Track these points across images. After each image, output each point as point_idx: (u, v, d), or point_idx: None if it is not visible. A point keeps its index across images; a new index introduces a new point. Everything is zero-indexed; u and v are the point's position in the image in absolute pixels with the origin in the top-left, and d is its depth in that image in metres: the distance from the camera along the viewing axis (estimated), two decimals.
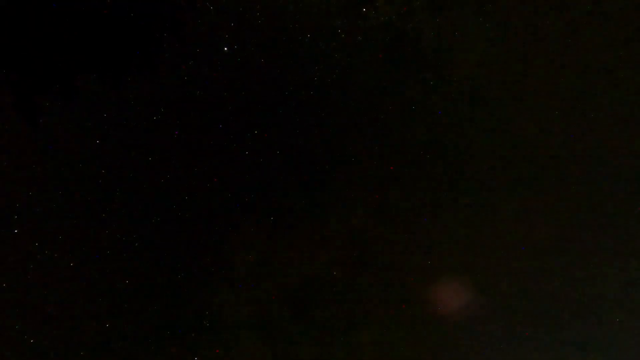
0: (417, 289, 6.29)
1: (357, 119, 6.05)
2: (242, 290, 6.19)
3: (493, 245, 6.25)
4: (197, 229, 6.14)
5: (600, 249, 6.15)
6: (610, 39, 5.62)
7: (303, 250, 6.25)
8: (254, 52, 5.67)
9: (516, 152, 6.05)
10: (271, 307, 6.22)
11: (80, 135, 5.77)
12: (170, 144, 6.01)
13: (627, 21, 5.54)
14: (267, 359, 6.19)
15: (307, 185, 6.18)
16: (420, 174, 6.18)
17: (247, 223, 6.20)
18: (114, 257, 5.99)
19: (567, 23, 5.61)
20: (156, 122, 5.93)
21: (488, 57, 5.83)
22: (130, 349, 5.98)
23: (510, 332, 6.30)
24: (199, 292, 6.14)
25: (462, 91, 5.94)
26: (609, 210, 6.06)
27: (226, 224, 6.18)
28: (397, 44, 5.67)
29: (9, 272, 5.71)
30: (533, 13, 5.60)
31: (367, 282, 6.29)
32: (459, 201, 6.19)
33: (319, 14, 5.67)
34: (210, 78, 5.77)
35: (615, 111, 5.81)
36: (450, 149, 6.09)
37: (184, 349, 6.07)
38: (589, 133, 5.89)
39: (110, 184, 5.95)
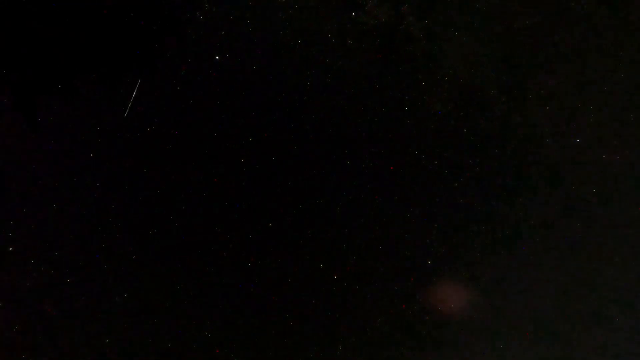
0: (417, 289, 6.29)
1: (350, 122, 6.08)
2: (242, 291, 6.19)
3: (493, 245, 6.25)
4: (196, 229, 6.14)
5: (601, 249, 6.15)
6: (601, 37, 5.64)
7: (302, 251, 6.25)
8: (245, 59, 5.72)
9: (511, 149, 6.07)
10: (271, 307, 6.22)
11: (80, 135, 5.77)
12: (171, 143, 6.01)
13: (617, 17, 5.56)
14: (265, 357, 6.19)
15: (306, 187, 6.19)
16: (417, 173, 6.19)
17: (247, 223, 6.20)
18: (114, 257, 5.99)
19: (557, 20, 5.63)
20: (156, 122, 5.93)
21: (479, 56, 5.87)
22: (130, 349, 5.98)
23: (510, 332, 6.30)
24: (198, 292, 6.13)
25: (455, 91, 5.98)
26: (609, 208, 6.06)
27: (226, 224, 6.18)
28: (388, 47, 5.73)
29: (9, 272, 5.71)
30: (521, 11, 5.63)
31: (367, 282, 6.29)
32: (458, 201, 6.20)
33: (309, 20, 5.74)
34: (208, 80, 5.79)
35: (609, 109, 5.83)
36: (446, 148, 6.11)
37: (184, 349, 6.07)
38: (583, 131, 5.91)
39: (110, 183, 5.95)
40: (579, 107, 5.83)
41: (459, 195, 6.19)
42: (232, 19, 5.58)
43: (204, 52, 5.67)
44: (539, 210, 6.13)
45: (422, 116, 6.02)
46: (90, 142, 5.85)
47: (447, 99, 5.93)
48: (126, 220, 6.02)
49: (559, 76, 5.79)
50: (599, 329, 6.21)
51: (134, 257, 6.04)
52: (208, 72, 5.71)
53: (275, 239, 6.24)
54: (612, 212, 6.04)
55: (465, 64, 5.87)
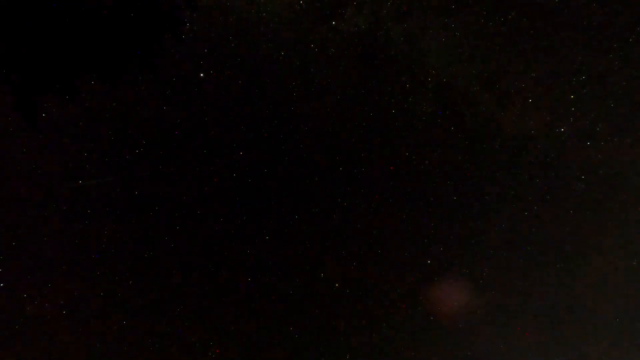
0: (417, 289, 6.28)
1: (340, 128, 6.16)
2: (242, 290, 6.19)
3: (491, 241, 6.26)
4: (196, 228, 6.14)
5: (600, 249, 6.15)
6: (577, 27, 5.70)
7: (302, 251, 6.25)
8: (231, 75, 5.83)
9: (499, 143, 6.12)
10: (271, 307, 6.22)
11: (80, 135, 5.77)
12: (170, 143, 6.01)
13: (592, 8, 5.63)
14: (267, 358, 6.19)
15: (303, 194, 6.20)
16: (409, 174, 6.22)
17: (247, 223, 6.20)
18: (114, 256, 5.99)
19: (531, 14, 5.71)
20: (156, 121, 5.93)
21: (459, 55, 5.95)
22: (130, 349, 5.98)
23: (510, 332, 6.30)
24: (198, 292, 6.14)
25: (439, 90, 6.05)
26: (608, 208, 6.06)
27: (225, 224, 6.18)
28: (369, 52, 5.85)
29: (9, 271, 5.71)
30: (494, 10, 5.70)
31: (367, 282, 6.29)
32: (452, 198, 6.21)
33: (291, 32, 5.86)
34: (195, 96, 5.88)
35: (590, 97, 5.88)
36: (435, 147, 6.16)
37: (184, 349, 6.07)
38: (567, 120, 5.96)
39: (110, 183, 5.95)
40: (560, 97, 5.91)
41: (452, 192, 6.22)
42: (215, 36, 5.72)
43: (188, 69, 5.78)
44: (532, 202, 6.16)
45: (410, 117, 6.11)
46: (90, 141, 5.85)
47: (432, 98, 6.05)
48: (126, 220, 6.02)
49: (538, 68, 5.87)
50: (599, 328, 6.21)
51: (133, 257, 6.04)
52: (194, 89, 5.81)
53: (275, 242, 6.24)
54: (612, 211, 6.04)
55: (446, 64, 5.99)
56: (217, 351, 6.09)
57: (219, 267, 6.17)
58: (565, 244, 6.14)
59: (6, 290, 5.68)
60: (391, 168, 6.19)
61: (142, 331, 6.00)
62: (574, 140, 5.94)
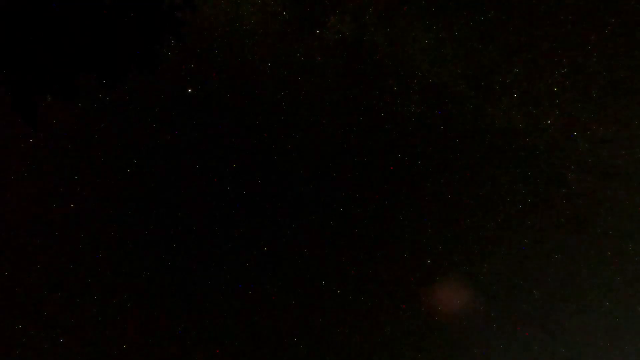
0: (417, 289, 6.29)
1: (332, 134, 6.17)
2: (242, 290, 6.19)
3: (488, 239, 6.27)
4: (195, 228, 6.15)
5: (600, 249, 6.15)
6: (554, 21, 5.73)
7: (302, 254, 6.26)
8: (219, 89, 5.86)
9: (488, 139, 6.14)
10: (272, 308, 6.23)
11: (80, 135, 5.77)
12: (170, 143, 6.01)
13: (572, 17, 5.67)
14: (267, 359, 6.19)
15: (300, 195, 6.21)
16: (404, 175, 6.23)
17: (245, 227, 6.21)
18: (114, 256, 6.00)
19: (510, 11, 5.74)
20: (156, 121, 5.94)
21: (443, 55, 5.98)
22: (130, 349, 5.99)
23: (510, 332, 6.30)
24: (198, 292, 6.14)
25: (426, 91, 6.09)
26: (608, 209, 6.06)
27: (225, 224, 6.19)
28: (355, 58, 5.90)
29: (9, 272, 5.72)
30: (475, 9, 5.74)
31: (368, 282, 6.29)
32: (447, 197, 6.22)
33: (276, 43, 5.88)
34: (183, 113, 5.89)
35: (573, 89, 5.91)
36: (426, 147, 6.18)
37: (184, 349, 6.07)
38: (552, 112, 5.99)
39: (110, 183, 5.95)
40: (544, 90, 5.94)
41: (447, 191, 6.24)
42: (200, 52, 5.74)
43: (176, 85, 5.79)
44: (526, 195, 6.17)
45: (400, 118, 6.15)
46: (90, 141, 5.85)
47: (419, 99, 6.09)
48: (126, 220, 6.03)
49: (521, 64, 5.91)
50: (598, 329, 6.21)
51: (133, 257, 6.04)
52: (182, 105, 5.83)
53: (274, 246, 6.25)
54: (612, 211, 6.04)
55: (431, 64, 6.03)
56: (217, 351, 6.10)
57: (219, 268, 6.17)
58: (560, 236, 6.14)
59: (6, 290, 5.68)
60: (391, 168, 6.19)
61: (142, 331, 6.01)
62: (560, 132, 5.99)
